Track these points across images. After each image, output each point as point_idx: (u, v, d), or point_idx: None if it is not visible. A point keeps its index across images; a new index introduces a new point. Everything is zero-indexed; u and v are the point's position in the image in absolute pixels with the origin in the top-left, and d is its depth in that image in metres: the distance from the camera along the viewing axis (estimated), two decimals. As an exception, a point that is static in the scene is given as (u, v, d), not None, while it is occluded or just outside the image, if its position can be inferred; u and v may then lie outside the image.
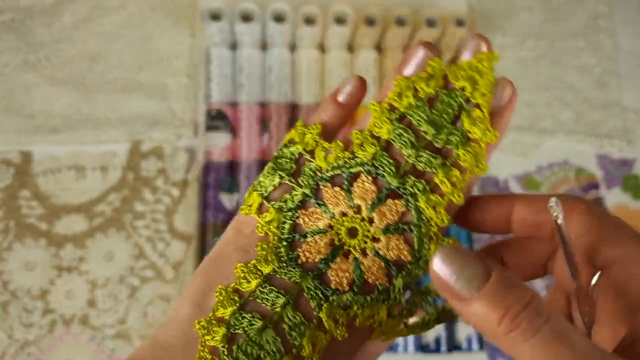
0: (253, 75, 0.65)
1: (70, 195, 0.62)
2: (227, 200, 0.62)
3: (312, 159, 0.26)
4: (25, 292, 0.59)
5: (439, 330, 0.59)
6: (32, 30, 0.66)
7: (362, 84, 0.28)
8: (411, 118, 0.26)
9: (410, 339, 0.59)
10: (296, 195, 0.26)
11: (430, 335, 0.60)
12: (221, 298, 0.25)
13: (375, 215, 0.25)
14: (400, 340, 0.59)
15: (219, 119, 0.64)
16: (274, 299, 0.24)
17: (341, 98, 0.28)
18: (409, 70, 0.27)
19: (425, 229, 0.25)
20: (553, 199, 0.21)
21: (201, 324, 0.24)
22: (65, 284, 0.59)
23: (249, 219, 0.27)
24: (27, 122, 0.63)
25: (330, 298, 0.25)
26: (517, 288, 0.19)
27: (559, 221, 0.22)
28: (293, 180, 0.26)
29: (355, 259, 0.25)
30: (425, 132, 0.25)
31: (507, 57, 0.70)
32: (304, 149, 0.27)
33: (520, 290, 0.19)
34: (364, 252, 0.25)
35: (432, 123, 0.25)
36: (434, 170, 0.25)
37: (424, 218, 0.25)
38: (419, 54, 0.27)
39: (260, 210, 0.26)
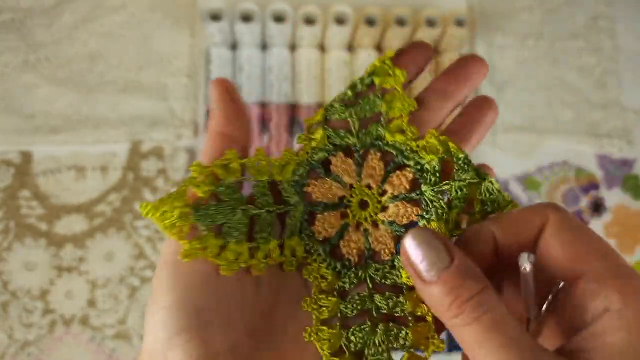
0: (253, 75, 0.65)
1: (70, 195, 0.62)
2: (227, 200, 0.62)
3: (384, 125, 0.27)
4: (25, 292, 0.59)
5: (439, 330, 0.59)
6: (32, 30, 0.66)
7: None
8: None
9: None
10: (348, 137, 0.27)
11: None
12: (229, 160, 0.25)
13: (386, 186, 0.27)
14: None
15: (219, 119, 0.64)
16: (264, 199, 0.26)
17: None
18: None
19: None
20: (525, 254, 0.22)
21: (199, 168, 0.25)
22: (65, 284, 0.59)
23: None
24: (27, 122, 0.63)
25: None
26: (471, 279, 0.21)
27: (526, 272, 0.23)
28: (357, 125, 0.27)
29: (365, 230, 0.26)
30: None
31: (507, 57, 0.70)
32: (386, 111, 0.27)
33: (474, 280, 0.21)
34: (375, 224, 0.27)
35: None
36: (457, 203, 0.26)
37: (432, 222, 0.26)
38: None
39: (312, 127, 0.27)
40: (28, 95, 0.64)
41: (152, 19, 0.67)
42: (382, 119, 0.27)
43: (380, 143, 0.27)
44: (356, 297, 0.25)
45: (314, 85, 0.65)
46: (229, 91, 0.26)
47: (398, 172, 0.26)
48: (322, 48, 0.67)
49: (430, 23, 0.65)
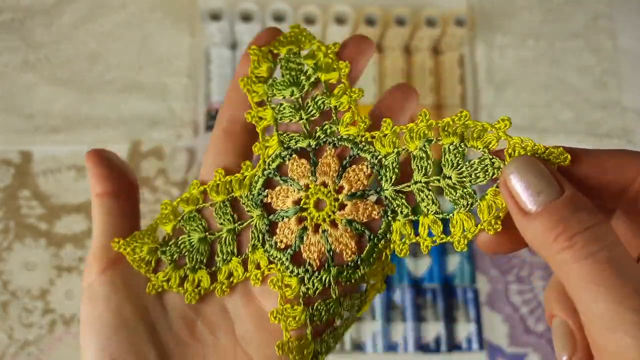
0: (253, 75, 0.65)
1: (70, 195, 0.62)
2: (227, 200, 0.62)
3: (336, 121, 0.26)
4: (25, 292, 0.59)
5: (439, 330, 0.59)
6: (32, 30, 0.66)
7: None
8: (446, 153, 0.23)
9: (410, 338, 0.59)
10: (302, 140, 0.26)
11: (430, 335, 0.60)
12: (191, 192, 0.27)
13: (343, 183, 0.25)
14: (400, 339, 0.59)
15: (219, 119, 0.64)
16: (225, 219, 0.26)
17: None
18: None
19: (382, 245, 0.25)
20: None
21: (167, 206, 0.27)
22: (65, 284, 0.59)
23: None
24: (27, 122, 0.63)
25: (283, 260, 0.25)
26: (584, 211, 0.19)
27: None
28: (308, 126, 0.26)
29: (324, 231, 0.25)
30: (445, 177, 0.23)
31: (507, 57, 0.70)
32: (335, 107, 0.26)
33: (586, 213, 0.19)
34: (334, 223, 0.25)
35: (459, 174, 0.23)
36: (427, 209, 0.24)
37: (387, 236, 0.25)
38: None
39: (264, 129, 0.26)
40: (28, 95, 0.64)
41: (152, 19, 0.67)
42: (333, 115, 0.26)
43: (334, 139, 0.25)
44: (323, 305, 0.25)
45: (314, 85, 0.65)
46: (99, 156, 0.27)
47: (354, 166, 0.25)
48: (322, 48, 0.67)
49: (430, 23, 0.65)
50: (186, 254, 0.26)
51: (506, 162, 0.22)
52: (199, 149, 0.64)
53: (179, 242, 0.26)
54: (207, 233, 0.26)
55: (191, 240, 0.26)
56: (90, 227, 0.61)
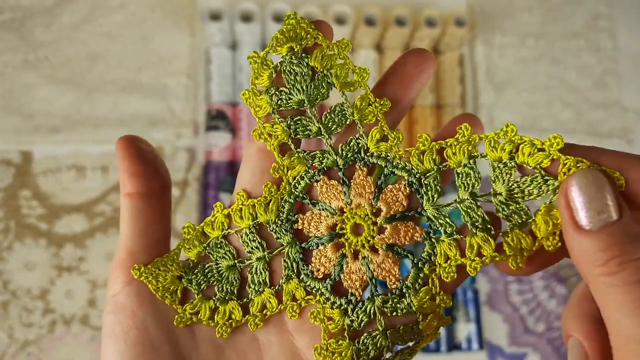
0: (253, 75, 0.65)
1: (70, 195, 0.62)
2: (227, 199, 0.62)
3: (363, 135, 0.23)
4: (25, 292, 0.59)
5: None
6: (32, 30, 0.66)
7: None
8: (495, 169, 0.22)
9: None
10: (328, 158, 0.24)
11: (430, 335, 0.60)
12: (215, 215, 0.24)
13: (381, 205, 0.23)
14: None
15: (219, 119, 0.64)
16: (253, 247, 0.24)
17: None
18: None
19: (427, 269, 0.23)
20: None
21: (190, 229, 0.24)
22: (66, 284, 0.59)
23: None
24: (27, 122, 0.63)
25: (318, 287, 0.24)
26: (638, 241, 0.18)
27: None
28: (331, 141, 0.24)
29: (364, 257, 0.23)
30: (495, 194, 0.22)
31: (507, 57, 0.70)
32: (360, 120, 0.23)
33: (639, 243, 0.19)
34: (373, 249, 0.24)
35: (509, 191, 0.22)
36: (474, 230, 0.22)
37: (432, 259, 0.23)
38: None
39: (281, 148, 0.24)
40: (28, 95, 0.64)
41: (152, 19, 0.67)
42: (358, 128, 0.23)
43: (364, 156, 0.23)
44: (369, 338, 0.23)
45: (314, 85, 0.65)
46: (132, 146, 0.24)
47: (391, 186, 0.23)
48: (322, 48, 0.67)
49: (430, 23, 0.65)
50: (215, 283, 0.24)
51: (560, 181, 0.21)
52: (199, 148, 0.64)
53: (206, 271, 0.24)
54: (236, 261, 0.24)
55: (219, 269, 0.24)
56: (90, 226, 0.61)
